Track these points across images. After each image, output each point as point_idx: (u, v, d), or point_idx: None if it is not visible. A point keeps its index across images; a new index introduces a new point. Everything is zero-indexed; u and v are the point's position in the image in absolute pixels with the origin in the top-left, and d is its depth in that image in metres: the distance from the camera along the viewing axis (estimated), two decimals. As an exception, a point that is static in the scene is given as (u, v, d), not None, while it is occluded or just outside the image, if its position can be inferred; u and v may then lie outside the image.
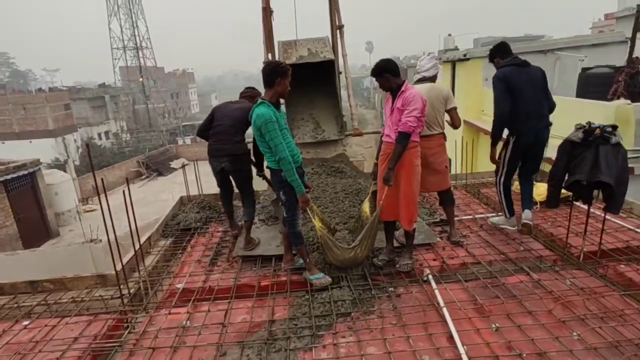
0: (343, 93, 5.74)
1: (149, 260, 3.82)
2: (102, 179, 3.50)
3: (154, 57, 46.09)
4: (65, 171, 15.43)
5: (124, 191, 3.20)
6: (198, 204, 5.07)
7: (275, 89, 2.96)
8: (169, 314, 2.92)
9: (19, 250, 9.00)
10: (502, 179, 3.82)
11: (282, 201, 3.15)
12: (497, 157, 3.82)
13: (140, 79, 43.47)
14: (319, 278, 3.15)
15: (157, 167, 23.89)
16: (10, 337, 2.83)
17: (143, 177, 23.03)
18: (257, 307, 2.96)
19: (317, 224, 3.20)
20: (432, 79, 3.82)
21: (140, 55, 44.26)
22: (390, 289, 3.07)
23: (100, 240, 8.98)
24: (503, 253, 3.55)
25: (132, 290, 3.23)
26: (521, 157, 3.71)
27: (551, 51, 10.34)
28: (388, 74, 3.16)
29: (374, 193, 3.54)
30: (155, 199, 15.70)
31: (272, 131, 2.86)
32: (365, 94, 54.80)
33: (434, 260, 3.50)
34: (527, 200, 3.83)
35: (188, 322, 2.80)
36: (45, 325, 2.91)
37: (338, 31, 5.52)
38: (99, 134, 35.77)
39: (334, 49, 5.50)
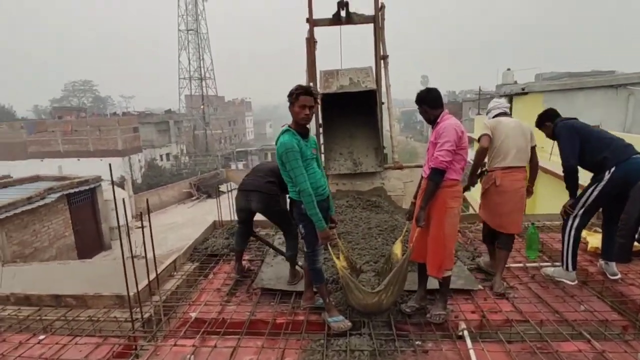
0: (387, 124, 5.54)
1: (170, 285, 3.74)
2: (146, 200, 3.52)
3: (216, 86, 49.14)
4: (123, 188, 16.47)
5: (142, 215, 3.17)
6: (228, 230, 4.99)
7: (293, 117, 2.82)
8: (175, 345, 2.76)
9: (70, 260, 9.52)
10: (576, 224, 3.32)
11: (302, 235, 2.94)
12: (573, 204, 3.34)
13: (202, 107, 46.34)
14: (338, 321, 2.86)
15: (207, 189, 24.79)
16: (24, 350, 2.81)
17: (193, 198, 23.98)
18: (267, 347, 2.72)
19: (340, 263, 2.94)
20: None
21: (204, 85, 47.41)
22: (417, 342, 2.69)
23: (143, 257, 9.25)
24: (558, 312, 3.03)
25: (145, 315, 3.13)
26: (609, 199, 3.22)
27: (623, 86, 9.45)
28: (425, 104, 2.92)
29: (408, 233, 3.23)
30: (202, 221, 16.15)
31: (293, 161, 2.70)
32: (418, 127, 54.15)
33: (473, 312, 3.07)
34: (612, 251, 3.34)
35: (192, 357, 2.62)
36: (57, 343, 2.87)
37: (382, 61, 5.39)
38: (161, 156, 38.21)
39: (377, 79, 5.35)
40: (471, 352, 2.53)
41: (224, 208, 5.23)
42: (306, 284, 3.19)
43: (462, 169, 2.90)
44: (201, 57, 47.76)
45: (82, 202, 11.99)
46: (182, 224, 16.60)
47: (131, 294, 3.06)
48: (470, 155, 4.03)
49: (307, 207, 2.71)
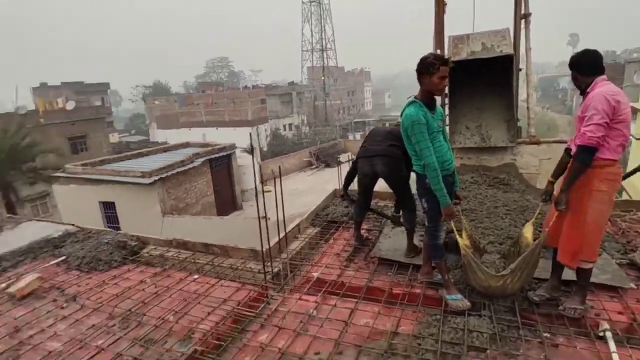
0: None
1: (295, 245, 4.12)
2: (279, 167, 3.92)
3: (336, 57, 49.75)
4: (253, 155, 18.28)
5: (273, 180, 3.50)
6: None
7: (425, 86, 2.71)
8: (300, 299, 3.07)
9: (212, 216, 11.12)
10: None
11: (425, 209, 2.90)
12: None
13: (322, 78, 47.66)
14: (456, 300, 2.80)
15: (325, 158, 25.86)
16: (183, 285, 3.46)
17: (313, 167, 25.26)
18: (383, 314, 2.83)
19: (462, 241, 2.84)
20: None
21: (325, 56, 48.44)
22: (545, 334, 2.49)
23: (269, 218, 10.26)
24: None
25: (275, 269, 3.54)
26: None
27: None
28: (575, 70, 2.53)
29: (543, 215, 2.93)
30: (322, 189, 17.06)
31: (419, 134, 2.64)
32: (560, 96, 46.83)
33: (620, 313, 2.68)
34: None
35: (315, 311, 2.89)
36: (207, 283, 3.46)
37: (523, 21, 4.77)
38: (284, 126, 40.95)
39: (515, 42, 4.78)
40: (614, 355, 2.25)
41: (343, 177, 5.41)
42: (424, 258, 3.18)
43: (621, 146, 2.46)
44: (323, 29, 48.66)
45: (221, 166, 13.73)
46: (303, 191, 17.74)
47: (264, 249, 3.47)
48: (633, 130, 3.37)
49: (432, 182, 2.66)
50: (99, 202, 11.36)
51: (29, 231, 5.11)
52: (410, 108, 2.69)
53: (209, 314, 2.97)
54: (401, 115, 2.85)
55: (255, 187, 4.43)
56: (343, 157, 27.11)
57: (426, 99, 2.72)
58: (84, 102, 33.77)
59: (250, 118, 35.27)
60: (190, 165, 11.72)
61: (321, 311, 2.91)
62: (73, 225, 5.10)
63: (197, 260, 3.98)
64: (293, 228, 4.32)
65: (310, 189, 18.41)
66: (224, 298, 3.17)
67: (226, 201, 13.97)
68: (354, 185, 4.02)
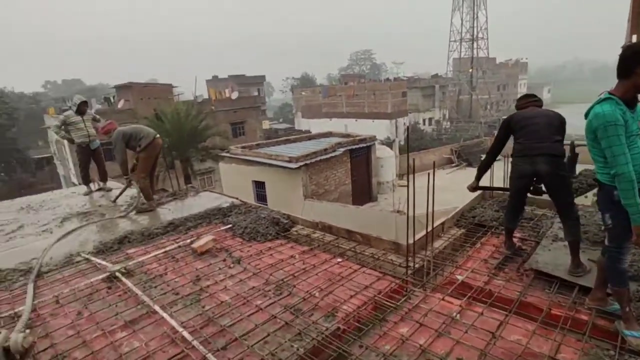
0: None
1: (438, 244, 3.99)
2: (413, 159, 3.87)
3: (488, 47, 45.64)
4: (391, 149, 18.28)
5: (429, 174, 3.43)
6: (499, 203, 4.78)
7: (634, 80, 2.26)
8: (443, 299, 2.98)
9: (349, 205, 11.57)
10: None
11: (607, 225, 2.47)
12: None
13: (470, 70, 44.35)
14: (638, 338, 2.34)
15: (467, 157, 24.22)
16: (328, 266, 3.71)
17: (453, 165, 23.95)
18: (539, 334, 2.55)
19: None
20: None
21: (475, 46, 44.90)
22: None
23: (404, 213, 10.18)
24: None
25: (416, 265, 3.50)
26: None
27: None
28: None
29: None
30: (460, 188, 16.11)
31: (614, 137, 2.23)
32: None
33: None
34: None
35: (458, 315, 2.77)
36: (349, 267, 3.64)
37: None
38: (423, 120, 39.68)
39: None
40: None
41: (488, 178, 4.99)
42: (598, 281, 2.73)
43: None
44: (475, 16, 45.08)
45: (360, 157, 14.13)
46: (441, 188, 16.97)
47: (407, 243, 3.46)
48: None
49: (624, 195, 2.24)
50: (252, 181, 12.94)
51: (205, 200, 6.16)
52: (605, 105, 2.30)
53: (351, 296, 3.13)
54: (587, 113, 2.47)
55: (408, 178, 4.40)
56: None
57: (628, 94, 2.29)
58: (244, 92, 38.66)
59: (389, 110, 35.21)
60: (333, 154, 12.37)
61: (465, 316, 2.78)
62: (237, 199, 5.95)
63: (340, 245, 4.20)
64: (437, 226, 4.19)
65: (447, 187, 17.52)
66: (365, 285, 3.29)
67: (362, 191, 14.35)
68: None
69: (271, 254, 4.03)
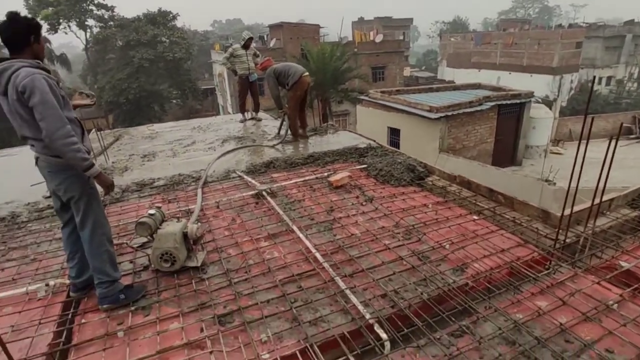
0: None
1: (600, 222, 3.41)
2: (592, 119, 3.25)
3: None
4: (550, 109, 15.73)
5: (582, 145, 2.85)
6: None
7: None
8: (597, 284, 2.58)
9: (488, 165, 10.62)
10: None
11: None
12: None
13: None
14: None
15: (654, 129, 19.38)
16: (462, 221, 3.52)
17: (632, 136, 19.54)
18: None
19: None
20: None
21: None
22: None
23: (554, 184, 8.91)
24: None
25: (567, 240, 3.08)
26: None
27: None
28: None
29: None
30: (636, 165, 13.18)
31: None
32: None
33: None
34: None
35: (616, 305, 2.38)
36: (486, 227, 3.39)
37: None
38: (600, 79, 32.74)
39: None
40: None
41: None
42: None
43: None
44: None
45: (509, 114, 12.58)
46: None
47: (558, 214, 3.03)
48: None
49: None
50: (388, 127, 12.79)
51: (344, 138, 6.36)
52: None
53: (484, 256, 2.95)
54: None
55: (579, 143, 3.77)
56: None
57: None
58: (388, 36, 37.14)
59: (554, 65, 29.92)
60: (478, 108, 11.28)
61: (625, 308, 2.37)
62: (375, 141, 5.98)
63: (477, 203, 3.93)
64: (602, 202, 3.55)
65: (617, 162, 14.56)
66: (502, 248, 3.05)
67: (505, 153, 12.97)
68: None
69: (403, 199, 4.01)
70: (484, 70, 34.57)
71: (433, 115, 10.83)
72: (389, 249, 3.10)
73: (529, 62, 31.81)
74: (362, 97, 14.19)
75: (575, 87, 31.00)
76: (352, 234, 3.34)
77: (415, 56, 64.52)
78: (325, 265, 2.84)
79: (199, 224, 3.03)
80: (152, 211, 2.83)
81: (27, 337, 2.31)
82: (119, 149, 6.68)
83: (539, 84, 27.84)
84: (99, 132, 6.61)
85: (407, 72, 36.97)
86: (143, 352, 2.15)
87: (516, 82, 26.15)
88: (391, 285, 2.66)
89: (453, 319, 2.34)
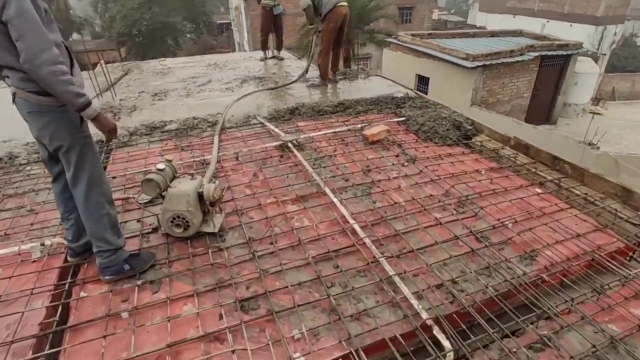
0: None
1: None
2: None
3: None
4: (596, 62, 14.34)
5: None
6: None
7: None
8: None
9: (523, 122, 9.79)
10: None
11: None
12: None
13: None
14: None
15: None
16: (524, 194, 2.98)
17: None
18: None
19: None
20: None
21: None
22: None
23: (598, 148, 8.16)
24: None
25: (659, 227, 2.54)
26: None
27: None
28: None
29: None
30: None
31: None
32: None
33: None
34: None
35: None
36: (555, 204, 2.85)
37: None
38: (648, 32, 29.96)
39: None
40: None
41: None
42: None
43: None
44: None
45: (552, 67, 11.43)
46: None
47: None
48: None
49: None
50: (416, 75, 11.81)
51: (376, 85, 5.66)
52: None
53: (556, 242, 2.44)
54: None
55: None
56: None
57: None
58: (419, -28, 33.91)
59: (600, 14, 27.19)
60: (520, 58, 10.19)
61: None
62: (413, 90, 5.28)
63: (538, 172, 3.35)
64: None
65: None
66: (577, 232, 2.53)
67: (540, 110, 11.98)
68: None
69: (451, 162, 3.45)
70: (520, 17, 31.77)
71: (469, 64, 9.83)
72: (440, 224, 2.61)
73: (571, 9, 28.98)
74: (391, 39, 13.01)
75: (618, 41, 28.46)
76: (395, 202, 2.84)
77: (444, -2, 59.72)
78: (367, 241, 2.38)
79: (217, 182, 2.55)
80: (160, 165, 2.34)
81: (16, 312, 1.94)
82: (128, 85, 6.09)
83: (579, 35, 25.42)
84: (105, 65, 6.00)
85: (434, 15, 34.29)
86: (151, 342, 1.77)
87: (553, 31, 23.99)
88: (447, 273, 2.20)
89: (527, 322, 1.90)
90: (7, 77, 1.74)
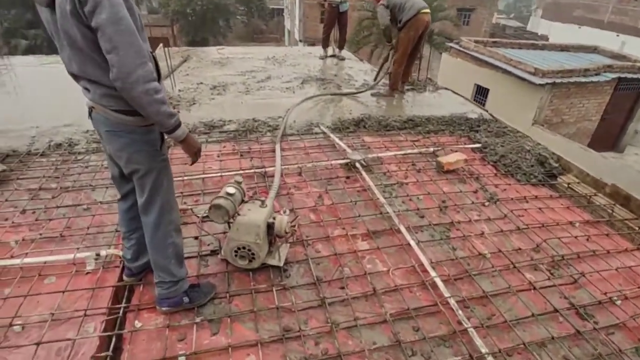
0: None
1: None
2: None
3: None
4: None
5: None
6: None
7: None
8: None
9: (589, 149, 9.01)
10: None
11: None
12: None
13: None
14: None
15: None
16: (631, 262, 2.60)
17: None
18: None
19: None
20: None
21: None
22: None
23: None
24: None
25: None
26: None
27: None
28: None
29: None
30: None
31: None
32: None
33: None
34: None
35: None
36: None
37: None
38: None
39: None
40: None
41: None
42: None
43: None
44: None
45: (628, 90, 10.47)
46: None
47: None
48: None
49: None
50: (475, 84, 11.16)
51: (446, 101, 5.23)
52: None
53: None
54: None
55: None
56: None
57: None
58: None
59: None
60: (594, 79, 9.37)
61: None
62: (487, 111, 4.84)
63: (642, 230, 2.90)
64: None
65: None
66: None
67: (607, 135, 11.07)
68: None
69: (539, 208, 3.04)
70: (586, 28, 29.68)
71: (537, 80, 9.11)
72: (534, 288, 2.26)
73: (647, 25, 26.77)
74: (452, 44, 12.35)
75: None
76: (480, 253, 2.50)
77: (504, 1, 56.82)
78: (452, 302, 2.07)
79: (287, 212, 2.30)
80: (231, 190, 2.11)
81: (67, 339, 1.78)
82: (187, 74, 5.97)
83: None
84: (166, 49, 5.89)
85: (493, 18, 32.66)
86: (211, 405, 1.56)
87: (623, 47, 22.18)
88: (548, 357, 1.86)
89: None
90: (87, 89, 1.54)
